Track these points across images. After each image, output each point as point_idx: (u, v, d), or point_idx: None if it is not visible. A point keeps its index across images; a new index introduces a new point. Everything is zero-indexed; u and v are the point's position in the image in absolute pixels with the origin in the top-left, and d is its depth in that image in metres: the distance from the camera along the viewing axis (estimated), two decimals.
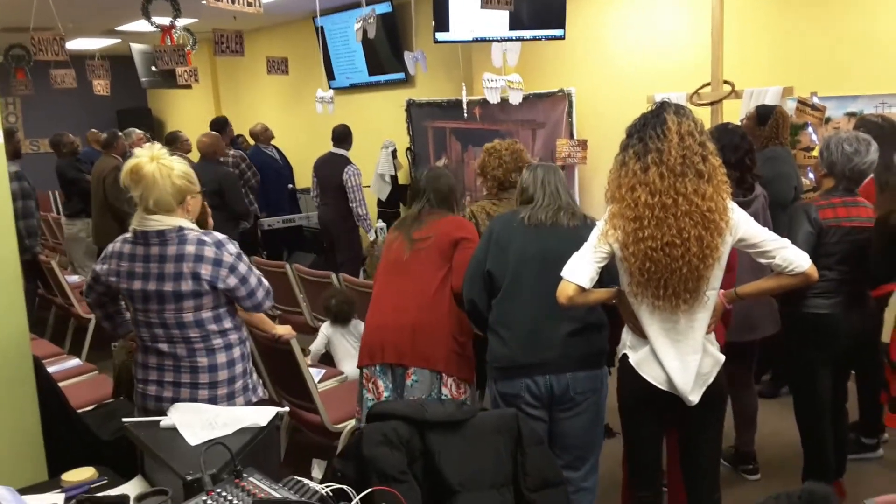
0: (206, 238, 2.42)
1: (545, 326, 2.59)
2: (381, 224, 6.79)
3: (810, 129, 4.54)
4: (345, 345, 4.28)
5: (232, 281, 2.42)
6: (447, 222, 2.99)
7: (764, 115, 4.04)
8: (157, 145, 2.43)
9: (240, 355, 2.54)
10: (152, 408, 2.44)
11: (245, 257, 2.51)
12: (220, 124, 7.44)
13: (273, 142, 7.83)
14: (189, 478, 1.67)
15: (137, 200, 2.39)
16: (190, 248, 2.38)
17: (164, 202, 2.37)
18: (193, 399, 2.43)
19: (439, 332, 2.90)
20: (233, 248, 2.45)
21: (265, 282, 2.56)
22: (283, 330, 3.12)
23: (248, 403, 2.54)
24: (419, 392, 2.89)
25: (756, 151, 4.00)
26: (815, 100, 4.58)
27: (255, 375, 2.65)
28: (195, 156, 6.83)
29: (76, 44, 9.19)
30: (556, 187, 2.75)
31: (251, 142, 8.05)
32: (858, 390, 3.67)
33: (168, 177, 2.35)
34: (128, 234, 2.46)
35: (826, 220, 2.86)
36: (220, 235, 2.47)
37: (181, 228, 2.40)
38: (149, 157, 2.35)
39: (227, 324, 2.50)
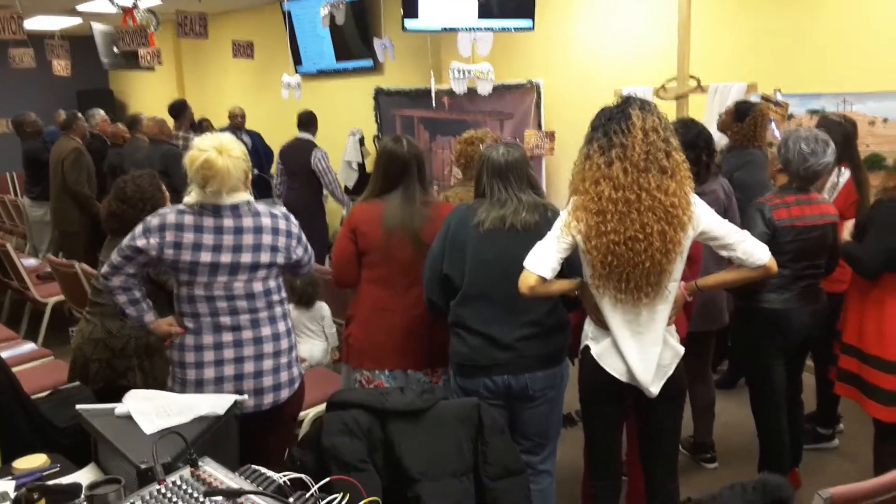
0: (274, 211, 2.53)
1: (502, 331, 2.56)
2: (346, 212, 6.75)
3: (773, 125, 4.59)
4: (304, 328, 4.29)
5: (300, 251, 2.56)
6: (443, 217, 2.76)
7: (743, 112, 3.96)
8: (219, 134, 2.45)
9: (291, 325, 2.63)
10: (210, 392, 2.41)
11: None
12: (177, 109, 7.27)
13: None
14: (143, 466, 1.64)
15: (205, 187, 2.39)
16: (266, 221, 2.47)
17: (236, 186, 2.43)
18: (258, 371, 2.47)
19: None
20: (294, 219, 2.58)
21: None
22: None
23: (300, 374, 2.62)
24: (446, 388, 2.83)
25: (733, 149, 4.02)
26: (779, 96, 4.64)
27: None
28: None
29: (35, 22, 8.96)
30: (515, 176, 2.61)
31: (215, 126, 7.93)
32: (816, 382, 3.75)
33: (239, 167, 2.40)
34: (181, 206, 2.44)
35: (780, 220, 2.87)
36: (282, 208, 2.58)
37: (250, 202, 2.48)
38: (216, 151, 2.35)
39: (284, 293, 2.59)
